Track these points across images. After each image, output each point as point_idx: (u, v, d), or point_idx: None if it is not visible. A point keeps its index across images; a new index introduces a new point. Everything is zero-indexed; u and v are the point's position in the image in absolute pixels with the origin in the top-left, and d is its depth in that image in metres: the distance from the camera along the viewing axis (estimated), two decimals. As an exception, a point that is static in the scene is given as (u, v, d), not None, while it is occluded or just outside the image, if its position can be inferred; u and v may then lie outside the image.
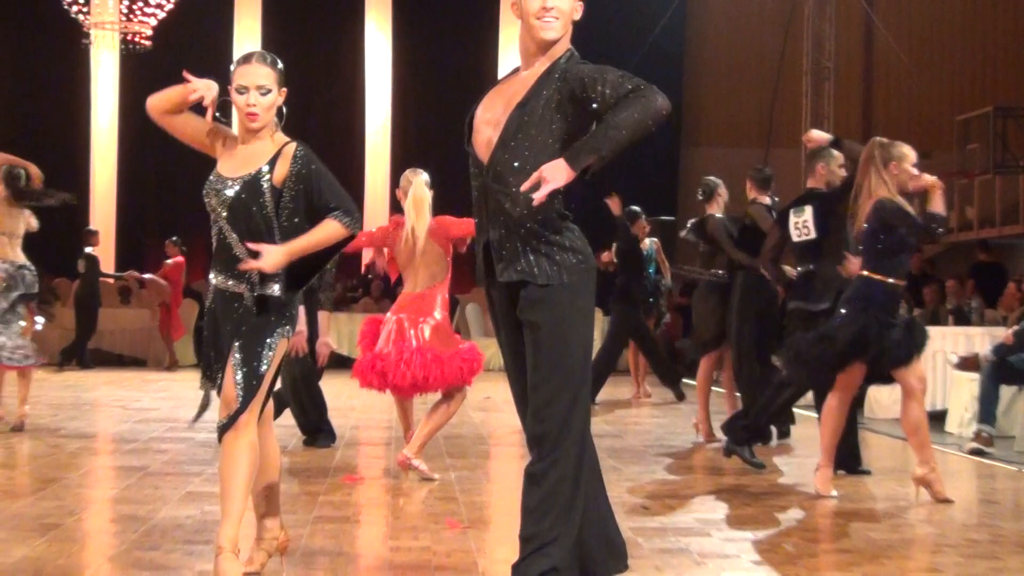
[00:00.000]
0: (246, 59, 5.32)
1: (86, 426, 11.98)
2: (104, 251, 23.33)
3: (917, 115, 23.85)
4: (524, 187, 4.51)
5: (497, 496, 8.10)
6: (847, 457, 8.83)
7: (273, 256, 5.03)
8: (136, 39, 20.08)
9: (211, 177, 5.31)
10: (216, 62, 23.93)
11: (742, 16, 24.80)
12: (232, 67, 5.32)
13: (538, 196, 4.43)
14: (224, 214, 5.20)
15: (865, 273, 7.88)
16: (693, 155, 24.28)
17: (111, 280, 21.10)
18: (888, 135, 8.42)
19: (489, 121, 4.78)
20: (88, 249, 19.56)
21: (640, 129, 4.45)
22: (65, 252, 21.62)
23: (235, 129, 5.40)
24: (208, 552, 5.96)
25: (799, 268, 9.24)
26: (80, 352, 19.50)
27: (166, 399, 14.47)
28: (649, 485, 8.46)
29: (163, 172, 23.52)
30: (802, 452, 10.66)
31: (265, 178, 5.20)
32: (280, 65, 5.33)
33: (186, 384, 16.67)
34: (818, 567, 5.91)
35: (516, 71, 4.90)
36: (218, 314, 5.23)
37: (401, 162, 23.46)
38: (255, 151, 5.29)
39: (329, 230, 5.11)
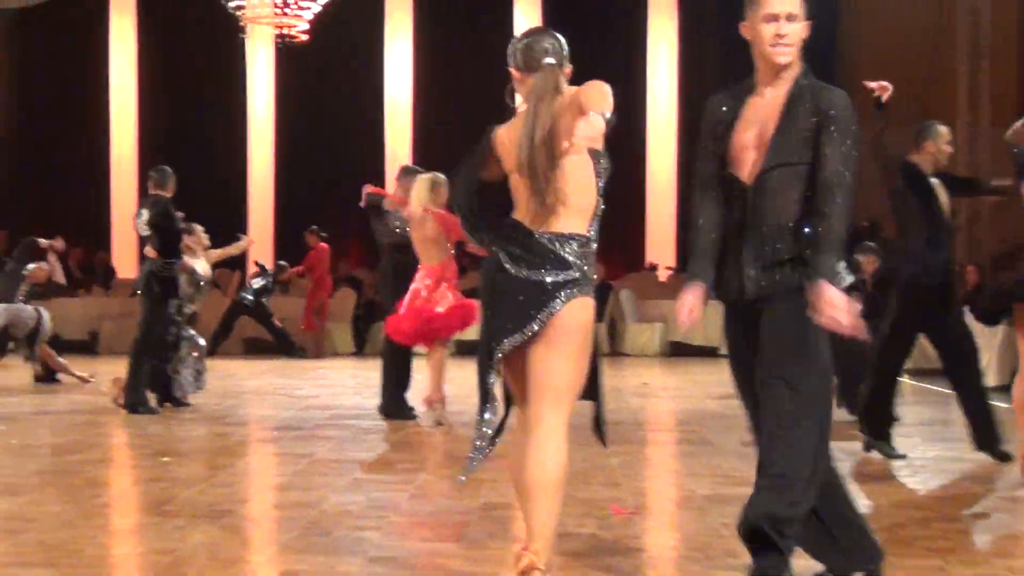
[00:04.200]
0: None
1: (251, 414, 12.20)
2: (262, 241, 23.76)
3: (1078, 92, 23.16)
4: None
5: (660, 482, 8.06)
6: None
7: None
8: (291, 33, 20.34)
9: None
10: (368, 57, 24.29)
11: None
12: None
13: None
14: None
15: None
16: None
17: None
18: (1048, 113, 8.26)
19: (747, 145, 4.82)
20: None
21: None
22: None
23: None
24: (378, 538, 6.01)
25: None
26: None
27: (325, 387, 14.65)
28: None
29: (320, 162, 23.88)
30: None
31: None
32: None
33: (343, 372, 16.86)
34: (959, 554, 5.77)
35: (752, 88, 4.89)
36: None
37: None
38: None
39: None
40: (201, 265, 12.34)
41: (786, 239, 4.73)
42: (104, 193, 24.39)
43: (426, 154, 24.21)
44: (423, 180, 10.83)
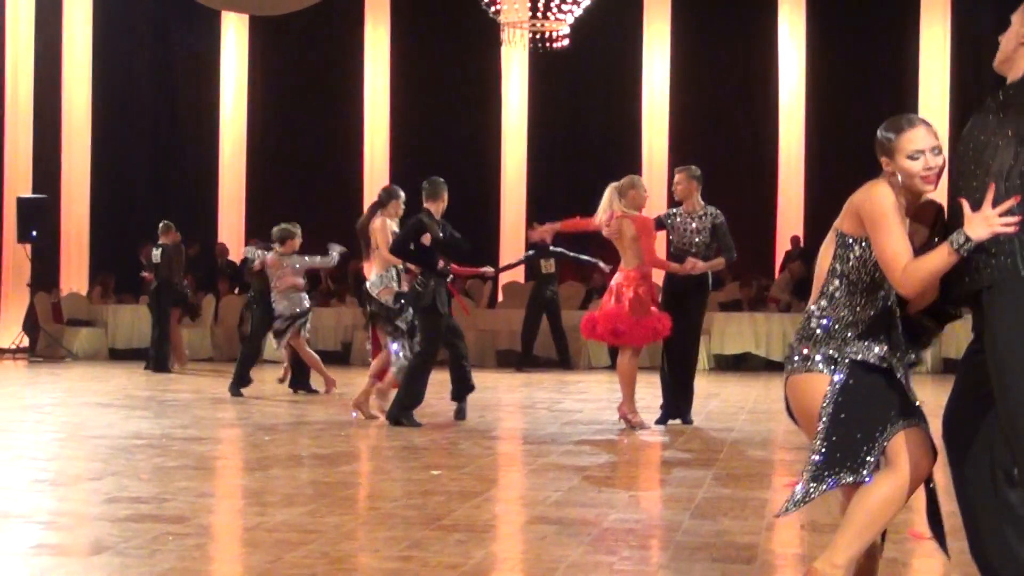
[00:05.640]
0: (911, 124, 4.90)
1: (514, 428, 12.34)
2: (515, 248, 24.06)
3: None
4: None
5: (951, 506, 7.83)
6: None
7: None
8: (551, 36, 20.52)
9: None
10: (626, 63, 24.35)
11: None
12: (892, 136, 4.87)
13: None
14: None
15: None
16: None
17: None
18: None
19: None
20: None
21: None
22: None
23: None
24: (666, 559, 5.99)
25: None
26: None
27: (586, 401, 14.70)
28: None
29: (575, 168, 24.04)
30: None
31: None
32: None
33: (601, 386, 16.89)
34: None
35: None
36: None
37: (818, 152, 23.26)
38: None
39: None
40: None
41: None
42: (356, 202, 24.97)
43: (683, 159, 24.21)
44: (610, 188, 11.64)
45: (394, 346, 12.20)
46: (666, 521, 7.00)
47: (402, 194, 12.54)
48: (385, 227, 12.25)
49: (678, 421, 11.83)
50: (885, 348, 4.89)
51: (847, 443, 4.83)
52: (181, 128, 25.78)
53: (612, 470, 9.10)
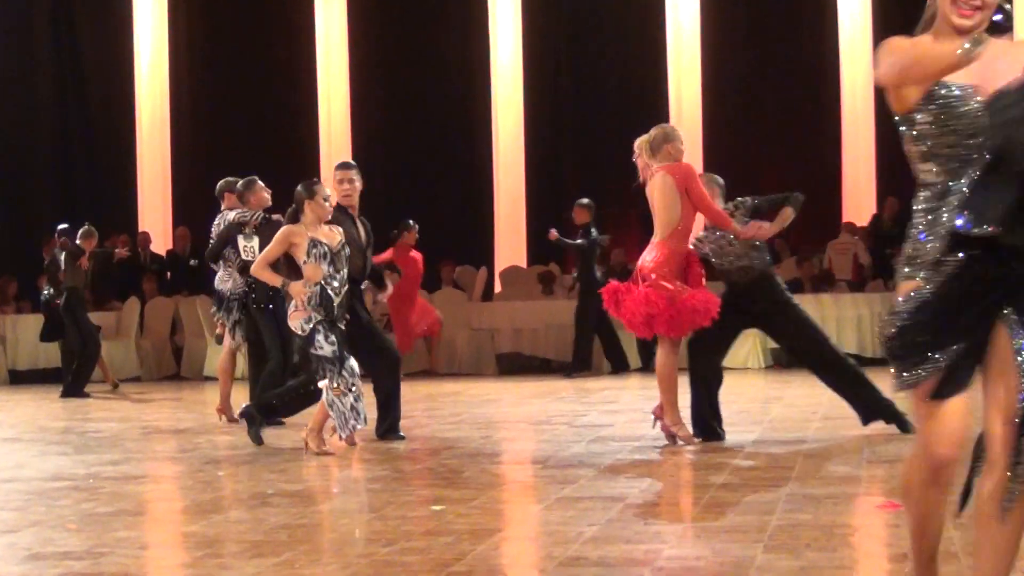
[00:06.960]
0: None
1: (529, 449, 12.30)
2: (515, 214, 24.05)
3: None
4: None
5: None
6: None
7: None
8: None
9: (957, 91, 4.96)
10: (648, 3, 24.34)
11: None
12: None
13: None
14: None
15: None
16: None
17: None
18: None
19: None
20: None
21: None
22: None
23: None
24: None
25: None
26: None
27: (615, 413, 14.65)
28: None
29: (581, 128, 24.01)
30: None
31: None
32: None
33: (631, 393, 16.86)
34: None
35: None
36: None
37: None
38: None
39: None
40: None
41: None
42: (311, 177, 25.00)
43: (720, 110, 24.31)
44: (639, 147, 11.54)
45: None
46: (734, 556, 6.96)
47: (318, 191, 11.80)
48: (287, 236, 11.59)
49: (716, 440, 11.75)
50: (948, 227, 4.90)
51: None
52: (90, 93, 25.69)
53: (658, 496, 9.07)
